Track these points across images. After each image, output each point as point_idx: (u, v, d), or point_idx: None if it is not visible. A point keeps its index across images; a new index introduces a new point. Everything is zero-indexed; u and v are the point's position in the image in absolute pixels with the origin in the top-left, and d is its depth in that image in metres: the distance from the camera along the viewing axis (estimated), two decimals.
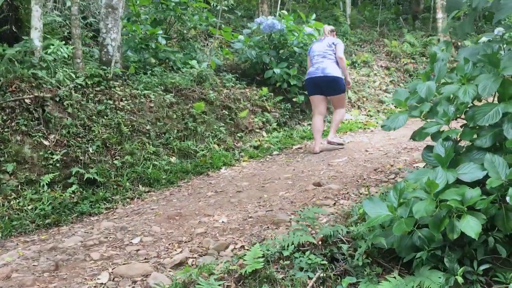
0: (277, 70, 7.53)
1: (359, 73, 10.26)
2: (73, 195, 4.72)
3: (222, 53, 8.21)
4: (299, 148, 6.62)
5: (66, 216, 4.43)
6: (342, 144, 6.32)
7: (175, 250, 3.36)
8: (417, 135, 3.17)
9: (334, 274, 2.68)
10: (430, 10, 14.05)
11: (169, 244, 3.47)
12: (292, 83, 7.53)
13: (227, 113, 6.69)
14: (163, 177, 5.33)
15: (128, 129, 5.49)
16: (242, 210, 4.04)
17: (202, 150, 6.01)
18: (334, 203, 3.92)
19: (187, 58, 7.27)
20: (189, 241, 3.48)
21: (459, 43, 13.21)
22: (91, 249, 3.49)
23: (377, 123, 8.33)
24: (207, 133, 6.28)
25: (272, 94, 7.54)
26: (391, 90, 10.16)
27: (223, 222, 3.79)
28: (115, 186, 5.02)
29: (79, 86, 5.56)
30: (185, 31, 8.11)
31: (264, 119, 7.12)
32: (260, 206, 4.07)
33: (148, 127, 5.75)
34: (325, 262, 2.70)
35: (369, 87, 9.85)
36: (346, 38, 11.21)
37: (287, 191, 4.44)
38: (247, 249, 3.17)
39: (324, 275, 2.63)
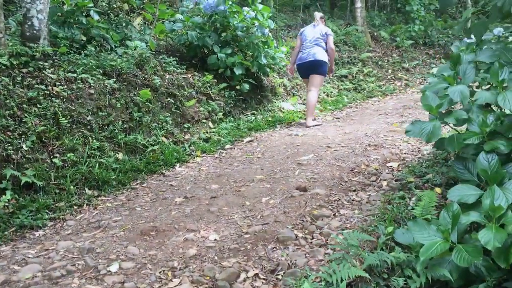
0: (221, 55, 6.96)
1: (289, 60, 9.99)
2: (7, 204, 3.85)
3: (154, 32, 7.39)
4: (250, 141, 6.19)
5: (1, 231, 3.58)
6: (320, 124, 7.00)
7: (171, 280, 2.82)
8: (449, 144, 2.90)
9: None
10: None
11: (160, 272, 2.91)
12: (237, 72, 7.01)
13: (172, 101, 6.02)
14: (112, 177, 4.60)
15: (66, 120, 4.64)
16: (230, 222, 3.55)
17: (151, 145, 5.32)
18: (334, 214, 3.59)
19: (121, 36, 6.40)
20: (184, 268, 2.94)
21: (375, 34, 13.60)
22: (60, 283, 2.80)
23: (305, 118, 8.14)
24: (154, 124, 5.58)
25: (215, 80, 6.96)
26: None
27: (215, 239, 3.28)
28: (57, 191, 4.21)
29: (3, 67, 4.56)
30: (115, 5, 7.15)
31: (210, 108, 6.55)
32: (249, 218, 3.61)
33: (89, 118, 4.93)
34: None
35: None
36: (276, 23, 10.86)
37: (269, 197, 4.01)
38: (264, 279, 2.74)
39: None
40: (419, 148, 5.17)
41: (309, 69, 7.00)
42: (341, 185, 4.23)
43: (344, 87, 10.17)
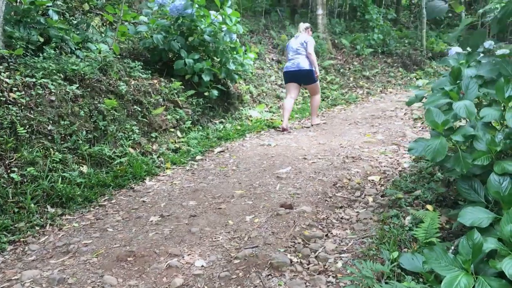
0: (189, 61, 6.64)
1: (254, 66, 9.79)
2: None
3: (116, 35, 6.95)
4: (221, 151, 5.91)
5: None
6: (320, 124, 7.52)
7: None
8: (456, 164, 2.74)
9: None
10: (309, 6, 14.20)
11: None
12: (205, 78, 6.71)
13: (139, 109, 5.65)
14: (77, 193, 4.20)
15: (25, 130, 4.20)
16: (215, 245, 3.27)
17: (118, 156, 4.94)
18: (326, 235, 3.38)
19: (81, 38, 5.96)
20: None
21: (336, 41, 13.65)
22: None
23: (281, 120, 7.97)
24: (120, 134, 5.19)
25: (182, 87, 6.64)
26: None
27: (202, 266, 2.99)
28: (16, 209, 3.78)
29: None
30: (71, 4, 6.67)
31: (177, 117, 6.21)
32: (235, 239, 3.34)
33: (50, 127, 4.49)
34: None
35: (266, 82, 9.46)
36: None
37: (253, 215, 3.76)
38: None
39: None
40: (398, 161, 5.07)
41: (295, 77, 7.45)
42: (326, 201, 4.03)
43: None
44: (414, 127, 6.68)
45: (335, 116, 8.30)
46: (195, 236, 3.42)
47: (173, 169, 5.23)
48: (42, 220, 3.79)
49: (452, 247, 2.63)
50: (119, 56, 6.11)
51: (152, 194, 4.43)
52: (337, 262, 2.90)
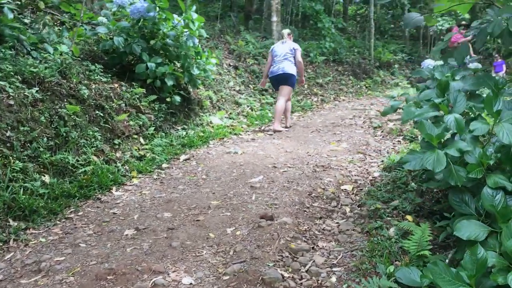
0: (151, 65, 6.42)
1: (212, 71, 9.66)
2: None
3: (71, 35, 6.59)
4: (187, 159, 5.74)
5: None
6: (283, 130, 7.60)
7: None
8: (449, 177, 2.77)
9: None
10: (263, 12, 14.25)
11: None
12: (169, 83, 6.52)
13: (101, 114, 5.38)
14: (41, 205, 3.91)
15: None
16: (200, 260, 3.13)
17: (82, 165, 4.66)
18: (313, 247, 3.33)
19: (38, 38, 5.60)
20: None
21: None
22: None
23: (242, 127, 7.91)
24: (82, 141, 4.91)
25: (144, 92, 6.40)
26: (243, 91, 9.87)
27: (191, 284, 2.84)
28: None
29: None
30: (25, 2, 6.27)
31: (140, 122, 5.98)
32: (220, 254, 3.22)
33: (8, 134, 4.17)
34: None
35: (224, 87, 9.36)
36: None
37: (234, 227, 3.65)
38: None
39: None
40: (367, 170, 5.13)
41: (279, 81, 7.77)
42: (305, 212, 3.99)
43: (266, 101, 10.07)
44: (375, 136, 6.81)
45: (295, 123, 8.33)
46: (176, 251, 3.26)
47: (140, 178, 5.01)
48: (4, 235, 3.49)
49: (447, 260, 2.66)
50: (79, 59, 5.80)
51: (122, 205, 4.20)
52: (330, 277, 2.86)
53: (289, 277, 2.90)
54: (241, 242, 3.37)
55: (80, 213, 4.02)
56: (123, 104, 5.90)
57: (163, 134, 6.37)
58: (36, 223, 3.75)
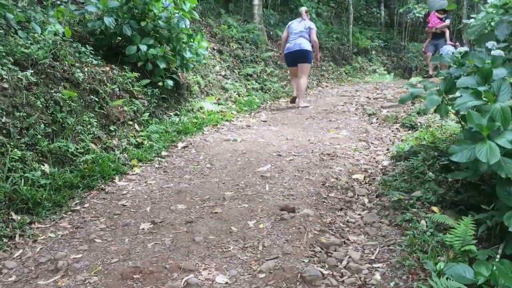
0: (142, 47, 6.11)
1: (204, 55, 9.36)
2: None
3: (65, 15, 6.15)
4: (185, 147, 5.52)
5: None
6: (307, 106, 8.17)
7: None
8: (499, 169, 2.68)
9: None
10: None
11: None
12: (161, 66, 6.23)
13: (95, 99, 5.07)
14: (44, 196, 3.64)
15: None
16: (229, 257, 2.97)
17: (81, 153, 4.39)
18: (344, 242, 3.22)
19: (25, 17, 5.20)
20: None
21: (271, 33, 13.56)
22: None
23: (232, 113, 7.72)
24: (78, 128, 4.62)
25: (137, 75, 6.10)
26: (229, 76, 9.64)
27: (227, 283, 2.68)
28: None
29: None
30: None
31: (135, 108, 5.70)
32: (248, 250, 3.06)
33: (4, 120, 3.85)
34: None
35: (211, 72, 9.09)
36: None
37: (255, 219, 3.49)
38: None
39: None
40: (374, 158, 5.05)
41: (296, 57, 8.11)
42: (324, 203, 3.87)
43: (252, 86, 9.87)
44: (372, 123, 6.75)
45: (286, 110, 8.18)
46: (201, 246, 3.09)
47: (141, 166, 4.77)
48: (8, 230, 3.22)
49: (498, 256, 2.58)
50: (70, 40, 5.43)
51: (129, 196, 3.97)
52: (374, 274, 2.74)
53: (329, 274, 2.78)
54: (267, 236, 3.22)
55: (86, 205, 3.77)
56: (117, 89, 5.60)
57: (157, 120, 6.10)
58: (41, 216, 3.49)
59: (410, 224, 3.29)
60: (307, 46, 8.10)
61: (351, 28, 16.16)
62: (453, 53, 3.97)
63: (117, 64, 6.09)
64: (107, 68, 5.80)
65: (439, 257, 2.79)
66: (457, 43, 15.01)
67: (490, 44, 3.64)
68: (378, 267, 2.81)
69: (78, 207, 3.72)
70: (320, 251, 3.05)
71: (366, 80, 14.14)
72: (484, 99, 2.90)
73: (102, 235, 3.25)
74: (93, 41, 6.35)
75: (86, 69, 5.27)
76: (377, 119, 6.92)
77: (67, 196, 3.83)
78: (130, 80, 5.94)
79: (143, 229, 3.35)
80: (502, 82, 2.86)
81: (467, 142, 2.77)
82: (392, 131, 6.19)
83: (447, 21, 12.16)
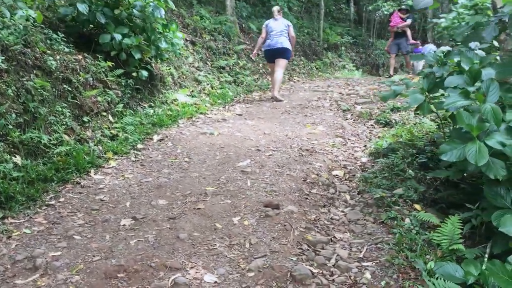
0: (117, 36, 5.92)
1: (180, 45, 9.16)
2: None
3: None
4: (161, 140, 5.39)
5: None
6: (281, 101, 8.33)
7: None
8: (489, 170, 2.70)
9: None
10: None
11: None
12: (136, 56, 6.06)
13: (68, 88, 4.87)
14: (17, 190, 3.47)
15: None
16: (216, 255, 2.90)
17: (54, 145, 4.21)
18: (331, 239, 3.20)
19: None
20: None
21: (243, 25, 13.45)
22: None
23: (205, 106, 7.61)
24: (51, 118, 4.43)
25: (111, 65, 5.90)
26: (202, 68, 9.50)
27: (216, 282, 2.61)
28: None
29: None
30: None
31: (108, 99, 5.51)
32: (235, 247, 3.00)
33: None
34: None
35: (184, 64, 8.93)
36: None
37: (239, 216, 3.43)
38: None
39: None
40: (353, 155, 5.07)
41: (276, 54, 8.53)
42: (306, 200, 3.85)
43: (225, 79, 9.76)
44: (346, 119, 6.78)
45: (261, 103, 8.12)
46: (186, 244, 3.00)
47: (116, 159, 4.62)
48: None
49: (486, 255, 2.61)
50: (42, 26, 5.19)
51: (107, 191, 3.83)
52: (364, 273, 2.73)
53: (318, 273, 2.75)
54: (253, 234, 3.17)
55: (61, 200, 3.61)
56: (90, 78, 5.40)
57: (132, 111, 5.93)
58: (14, 211, 3.32)
59: (395, 222, 3.30)
60: (287, 44, 8.52)
61: (322, 23, 16.22)
62: (435, 52, 4.01)
63: (89, 53, 5.87)
64: (80, 57, 5.58)
65: (427, 256, 2.81)
66: (418, 41, 15.31)
67: (473, 44, 3.68)
68: (368, 266, 2.81)
69: (53, 202, 3.56)
70: (308, 249, 3.02)
71: (336, 75, 14.25)
72: (473, 99, 2.93)
73: (81, 232, 3.11)
74: (63, 28, 6.10)
75: (58, 57, 5.05)
76: (352, 115, 6.96)
77: (41, 189, 3.67)
78: (103, 70, 5.74)
79: (124, 225, 3.23)
80: (491, 83, 2.89)
81: (456, 142, 2.79)
82: (368, 127, 6.24)
83: (409, 21, 12.39)
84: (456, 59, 3.72)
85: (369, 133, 5.91)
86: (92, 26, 6.16)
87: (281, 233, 3.19)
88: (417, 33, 24.50)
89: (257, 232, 3.19)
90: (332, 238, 3.22)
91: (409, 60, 13.32)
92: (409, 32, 12.45)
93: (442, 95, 3.83)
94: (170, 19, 9.49)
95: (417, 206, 3.56)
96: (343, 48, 17.13)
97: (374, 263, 2.84)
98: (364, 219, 3.50)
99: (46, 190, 3.71)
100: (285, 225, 3.28)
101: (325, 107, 7.61)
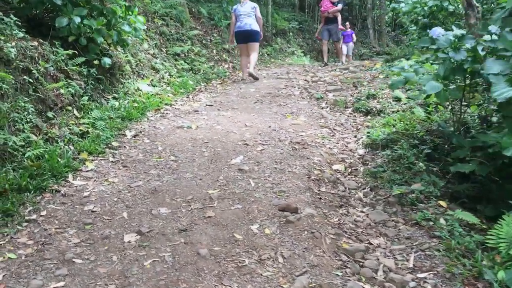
0: (76, 19, 5.25)
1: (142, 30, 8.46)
2: None
3: None
4: (136, 135, 4.86)
5: None
6: (257, 79, 8.83)
7: None
8: None
9: None
10: None
11: None
12: (99, 40, 5.43)
13: (29, 80, 4.22)
14: None
15: None
16: (249, 273, 2.55)
17: (22, 146, 3.60)
18: (367, 247, 2.90)
19: None
20: None
21: (193, 9, 12.84)
22: None
23: (168, 96, 7.09)
24: (14, 115, 3.79)
25: (71, 52, 5.23)
26: (158, 55, 8.88)
27: None
28: None
29: None
30: None
31: (72, 91, 4.88)
32: (266, 262, 2.65)
33: None
34: None
35: (140, 51, 8.28)
36: None
37: (257, 223, 3.07)
38: None
39: None
40: (347, 147, 4.82)
41: (247, 36, 8.78)
42: (320, 200, 3.54)
43: (182, 67, 9.21)
44: (322, 108, 6.53)
45: (227, 93, 7.69)
46: (210, 262, 2.59)
47: (93, 160, 4.06)
48: None
49: None
50: None
51: (94, 199, 3.30)
52: (424, 287, 2.45)
53: None
54: (281, 245, 2.81)
55: (43, 213, 3.06)
56: (51, 68, 4.74)
57: (97, 105, 5.31)
58: None
59: (432, 223, 3.06)
60: (256, 27, 8.80)
61: (270, 8, 15.90)
62: (443, 35, 3.81)
63: (46, 39, 5.17)
64: (36, 43, 4.88)
65: (483, 262, 2.59)
66: (347, 24, 15.40)
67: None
68: (425, 278, 2.54)
69: (34, 216, 3.00)
70: (348, 260, 2.72)
71: (288, 62, 14.02)
72: None
73: (81, 253, 2.61)
74: (9, 10, 5.33)
75: (13, 44, 4.36)
76: (326, 103, 6.72)
77: (17, 202, 3.08)
78: (63, 58, 5.07)
79: (129, 241, 2.76)
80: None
81: None
82: (348, 116, 6.02)
83: (340, 6, 12.25)
84: (468, 45, 3.54)
85: (353, 122, 5.69)
86: (45, 8, 5.45)
87: (312, 242, 2.86)
88: (355, 19, 24.90)
89: (285, 242, 2.84)
90: (368, 245, 2.93)
91: (340, 47, 13.26)
92: (339, 17, 12.29)
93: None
94: (129, 3, 8.79)
95: (442, 203, 3.35)
96: (290, 34, 16.93)
97: (431, 274, 2.58)
98: (392, 220, 3.25)
99: (23, 202, 3.13)
100: (312, 232, 2.95)
101: (295, 95, 7.31)
